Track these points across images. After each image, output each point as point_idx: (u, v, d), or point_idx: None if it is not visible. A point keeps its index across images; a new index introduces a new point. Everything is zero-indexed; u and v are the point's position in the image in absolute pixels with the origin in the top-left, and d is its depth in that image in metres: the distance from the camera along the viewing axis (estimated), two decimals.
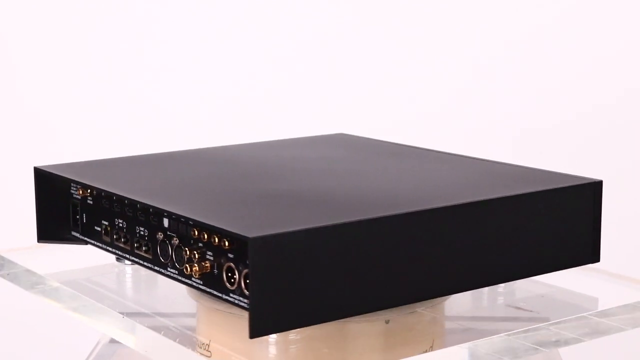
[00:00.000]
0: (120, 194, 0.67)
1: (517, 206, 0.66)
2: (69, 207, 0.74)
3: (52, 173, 0.73)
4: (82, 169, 0.75)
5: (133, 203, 0.67)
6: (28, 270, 0.77)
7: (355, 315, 0.61)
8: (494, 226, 0.65)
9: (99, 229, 0.71)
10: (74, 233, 0.74)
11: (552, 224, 0.68)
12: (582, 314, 0.67)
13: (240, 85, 1.32)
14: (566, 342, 0.63)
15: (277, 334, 0.64)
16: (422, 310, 0.68)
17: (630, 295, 0.72)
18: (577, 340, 0.63)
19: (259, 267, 0.56)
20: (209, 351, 0.67)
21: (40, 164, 0.76)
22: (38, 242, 0.74)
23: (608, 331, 0.65)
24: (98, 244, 0.72)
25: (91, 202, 0.72)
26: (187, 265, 0.61)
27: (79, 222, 0.73)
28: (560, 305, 0.76)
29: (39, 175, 0.74)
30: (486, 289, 0.77)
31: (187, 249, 0.62)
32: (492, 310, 0.77)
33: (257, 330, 0.56)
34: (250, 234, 0.56)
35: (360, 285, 0.60)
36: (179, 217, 0.62)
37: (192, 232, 0.61)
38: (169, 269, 0.65)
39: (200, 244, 0.61)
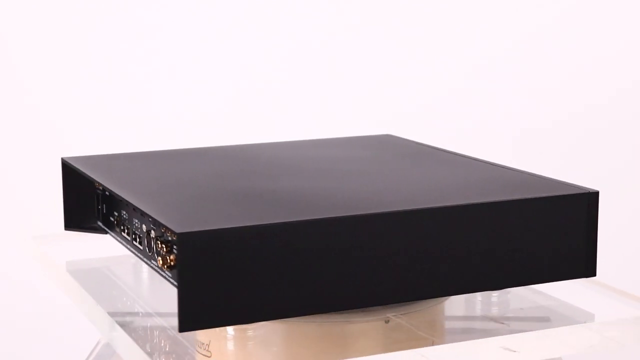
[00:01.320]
0: (111, 188, 0.70)
1: (501, 213, 0.65)
2: (94, 197, 0.77)
3: (72, 165, 0.76)
4: (98, 162, 0.78)
5: (124, 198, 0.69)
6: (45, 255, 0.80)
7: (292, 316, 0.61)
8: (473, 232, 0.64)
9: (112, 219, 0.74)
10: (99, 223, 0.77)
11: (541, 234, 0.66)
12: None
13: (289, 85, 1.33)
14: None
15: (276, 333, 0.64)
16: (423, 310, 0.68)
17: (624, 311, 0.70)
18: None
19: (187, 261, 0.56)
20: (209, 351, 0.67)
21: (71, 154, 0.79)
22: (65, 229, 0.78)
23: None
24: (112, 234, 0.75)
25: (107, 194, 0.74)
26: (158, 258, 0.62)
27: (100, 213, 0.76)
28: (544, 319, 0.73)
29: (65, 166, 0.77)
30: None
31: (159, 242, 0.63)
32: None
33: (186, 324, 0.57)
34: (180, 229, 0.56)
35: (296, 286, 0.59)
36: (143, 212, 0.64)
37: (161, 228, 0.63)
38: (152, 261, 0.66)
39: (169, 239, 0.62)
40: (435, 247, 0.63)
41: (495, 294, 0.75)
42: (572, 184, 0.69)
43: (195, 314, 0.57)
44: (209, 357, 0.67)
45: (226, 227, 0.57)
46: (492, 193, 0.67)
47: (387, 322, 0.66)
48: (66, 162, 0.77)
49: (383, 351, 0.66)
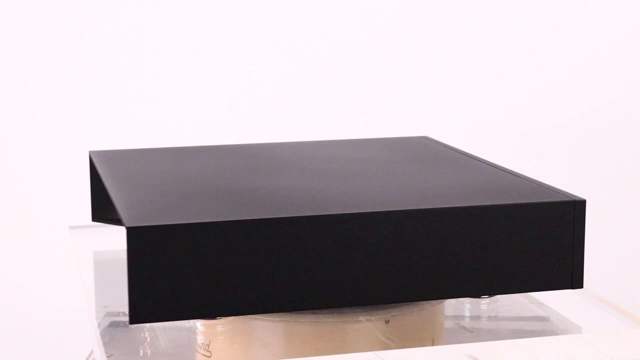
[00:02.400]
0: (105, 181, 0.71)
1: (479, 218, 0.63)
2: None
3: (93, 159, 0.79)
4: (114, 156, 0.79)
5: (109, 193, 0.69)
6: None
7: (244, 314, 0.61)
8: (449, 236, 0.63)
9: None
10: None
11: (523, 241, 0.64)
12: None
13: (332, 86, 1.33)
14: None
15: (275, 333, 0.65)
16: (422, 310, 0.67)
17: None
18: None
19: (134, 255, 0.58)
20: (209, 351, 0.68)
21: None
22: (92, 221, 0.80)
23: None
24: None
25: None
26: None
27: None
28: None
29: (91, 160, 0.80)
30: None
31: None
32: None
33: (135, 317, 0.58)
34: (129, 223, 0.58)
35: (248, 285, 0.60)
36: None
37: None
38: None
39: None
40: (407, 251, 0.62)
41: (485, 301, 0.74)
42: (562, 191, 0.67)
43: (144, 307, 0.58)
44: (209, 357, 0.68)
45: (175, 223, 0.58)
46: (473, 197, 0.65)
47: (387, 322, 0.66)
48: (92, 156, 0.79)
49: (382, 351, 0.65)
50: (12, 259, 1.30)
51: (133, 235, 0.57)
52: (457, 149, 0.82)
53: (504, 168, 0.74)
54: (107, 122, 1.31)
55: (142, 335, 0.70)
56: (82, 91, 1.31)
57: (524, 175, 0.72)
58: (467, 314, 0.74)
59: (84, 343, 0.96)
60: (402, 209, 0.62)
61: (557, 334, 0.70)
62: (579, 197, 0.65)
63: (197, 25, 1.31)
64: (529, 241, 0.64)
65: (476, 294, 0.65)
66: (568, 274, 0.65)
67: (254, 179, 0.71)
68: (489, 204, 0.64)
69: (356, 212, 0.61)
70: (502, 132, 1.35)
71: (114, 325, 0.72)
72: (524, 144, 1.36)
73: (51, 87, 1.30)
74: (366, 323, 0.65)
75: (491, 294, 0.65)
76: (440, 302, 0.68)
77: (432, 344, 0.67)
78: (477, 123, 1.35)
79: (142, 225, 0.58)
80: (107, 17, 1.29)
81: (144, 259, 0.58)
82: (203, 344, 0.68)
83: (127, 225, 0.57)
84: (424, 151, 0.82)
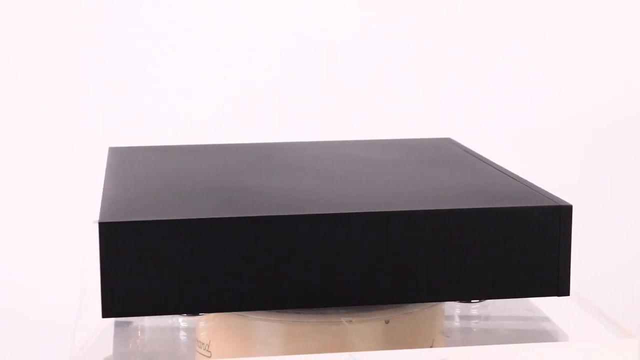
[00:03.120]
0: (106, 177, 0.72)
1: (457, 221, 0.62)
2: None
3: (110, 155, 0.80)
4: (127, 153, 0.81)
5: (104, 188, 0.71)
6: None
7: (212, 312, 0.62)
8: (424, 239, 0.62)
9: None
10: None
11: (505, 246, 0.63)
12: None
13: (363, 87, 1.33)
14: None
15: (274, 333, 0.65)
16: (422, 310, 0.67)
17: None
18: None
19: (106, 250, 0.59)
20: (209, 351, 0.68)
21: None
22: None
23: None
24: None
25: None
26: None
27: None
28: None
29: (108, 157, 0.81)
30: None
31: None
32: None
33: (107, 311, 0.60)
34: (101, 219, 0.60)
35: (215, 283, 0.61)
36: None
37: None
38: None
39: None
40: (382, 253, 0.62)
41: (475, 305, 0.73)
42: (552, 196, 0.66)
43: (116, 301, 0.60)
44: (209, 357, 0.68)
45: (144, 219, 0.60)
46: (454, 200, 0.65)
47: (387, 322, 0.65)
48: (109, 152, 0.81)
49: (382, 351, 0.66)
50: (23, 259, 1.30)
51: (103, 230, 0.59)
52: (474, 152, 0.81)
53: (510, 172, 0.73)
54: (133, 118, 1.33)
55: (141, 334, 0.71)
56: (102, 87, 1.32)
57: (525, 180, 0.71)
58: (456, 319, 0.73)
59: (84, 342, 0.96)
60: (372, 210, 0.62)
61: (547, 341, 0.69)
62: (565, 202, 0.64)
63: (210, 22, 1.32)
64: (512, 246, 0.63)
65: (455, 298, 0.64)
66: (554, 280, 0.64)
67: (253, 178, 0.71)
68: (468, 207, 0.63)
69: (331, 212, 0.61)
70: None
71: (113, 325, 0.73)
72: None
73: (54, 86, 1.31)
74: (366, 323, 0.65)
75: (471, 299, 0.65)
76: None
77: (432, 344, 0.67)
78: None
79: (112, 221, 0.59)
80: (114, 15, 1.30)
81: (115, 254, 0.59)
82: (203, 343, 0.68)
83: (99, 221, 0.59)
84: (438, 153, 0.81)
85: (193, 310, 0.61)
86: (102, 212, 0.61)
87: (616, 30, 1.32)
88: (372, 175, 0.73)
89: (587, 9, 1.32)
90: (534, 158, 1.10)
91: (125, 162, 0.77)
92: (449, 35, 1.32)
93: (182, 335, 0.72)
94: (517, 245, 0.63)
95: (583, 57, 1.32)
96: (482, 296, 0.64)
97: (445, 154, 0.81)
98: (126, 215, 0.61)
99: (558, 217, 0.63)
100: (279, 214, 0.61)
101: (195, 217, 0.60)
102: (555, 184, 1.32)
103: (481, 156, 0.79)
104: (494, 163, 0.76)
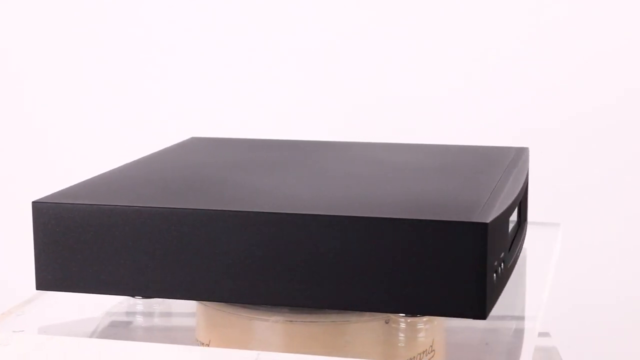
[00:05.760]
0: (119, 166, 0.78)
1: (366, 229, 0.60)
2: None
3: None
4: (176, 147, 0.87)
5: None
6: None
7: (135, 296, 0.66)
8: (332, 245, 0.61)
9: None
10: None
11: (419, 261, 0.59)
12: None
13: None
14: None
15: (274, 333, 0.66)
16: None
17: None
18: None
19: (38, 229, 0.65)
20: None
21: None
22: None
23: None
24: None
25: None
26: None
27: None
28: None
29: None
30: None
31: None
32: None
33: (40, 283, 0.66)
34: (39, 199, 0.65)
35: (138, 268, 0.64)
36: None
37: None
38: None
39: None
40: (291, 255, 0.62)
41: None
42: (479, 210, 0.61)
43: (47, 277, 0.65)
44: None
45: (74, 202, 0.64)
46: (381, 209, 0.62)
47: (387, 322, 0.65)
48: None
49: (383, 351, 0.66)
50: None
51: (35, 210, 0.65)
52: (510, 162, 0.77)
53: (496, 184, 0.69)
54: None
55: (141, 334, 0.73)
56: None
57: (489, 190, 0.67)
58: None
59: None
60: (293, 212, 0.62)
61: None
62: (481, 220, 0.59)
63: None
64: (425, 261, 0.59)
65: (370, 309, 0.62)
66: (469, 302, 0.59)
67: (254, 177, 0.72)
68: (383, 216, 0.60)
69: (251, 210, 0.62)
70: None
71: (113, 325, 0.75)
72: None
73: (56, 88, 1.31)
74: (366, 323, 0.65)
75: (385, 312, 0.62)
76: None
77: (432, 344, 0.66)
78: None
79: (44, 202, 0.65)
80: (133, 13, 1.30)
81: (45, 232, 0.65)
82: (203, 343, 0.69)
83: (33, 201, 0.65)
84: (478, 160, 0.78)
85: (122, 293, 0.65)
86: (53, 195, 0.66)
87: (616, 30, 1.32)
88: (373, 176, 0.72)
89: (587, 9, 1.31)
90: (534, 158, 1.09)
91: (161, 153, 0.82)
92: (449, 35, 1.31)
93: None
94: (428, 260, 0.59)
95: (583, 57, 1.31)
96: (394, 310, 0.62)
97: (482, 161, 0.78)
98: (60, 198, 0.66)
99: (472, 234, 0.58)
100: (207, 208, 0.63)
101: (122, 205, 0.64)
102: (555, 184, 1.34)
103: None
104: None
